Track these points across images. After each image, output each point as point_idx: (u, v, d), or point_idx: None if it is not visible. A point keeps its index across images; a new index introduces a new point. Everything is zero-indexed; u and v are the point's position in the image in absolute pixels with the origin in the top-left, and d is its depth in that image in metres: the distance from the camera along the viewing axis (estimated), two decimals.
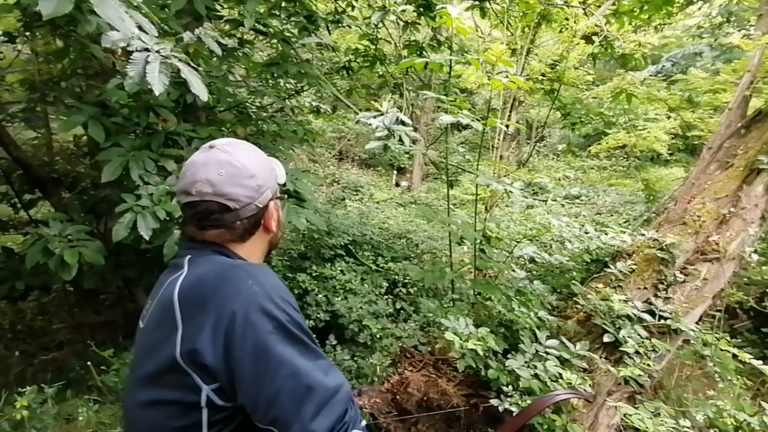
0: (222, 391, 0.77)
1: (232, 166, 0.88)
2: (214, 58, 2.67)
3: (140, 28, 1.63)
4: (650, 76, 7.37)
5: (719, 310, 3.08)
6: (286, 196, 2.90)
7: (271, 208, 0.97)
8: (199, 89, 1.68)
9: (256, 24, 2.96)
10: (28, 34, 3.04)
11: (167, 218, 2.27)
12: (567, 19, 5.54)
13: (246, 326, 0.75)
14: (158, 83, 1.56)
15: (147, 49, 1.62)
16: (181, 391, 0.77)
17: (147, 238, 2.18)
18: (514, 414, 2.07)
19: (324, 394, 0.75)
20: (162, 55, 1.63)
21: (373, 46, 4.54)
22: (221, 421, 0.79)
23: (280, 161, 1.06)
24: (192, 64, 1.77)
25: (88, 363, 2.76)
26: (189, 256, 0.89)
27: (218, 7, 3.13)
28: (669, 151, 8.54)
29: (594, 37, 5.14)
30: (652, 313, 2.73)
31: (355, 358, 3.09)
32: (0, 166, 3.33)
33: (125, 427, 0.89)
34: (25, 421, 2.26)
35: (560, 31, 5.83)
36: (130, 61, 1.59)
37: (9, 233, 3.87)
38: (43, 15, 1.34)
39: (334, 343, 3.21)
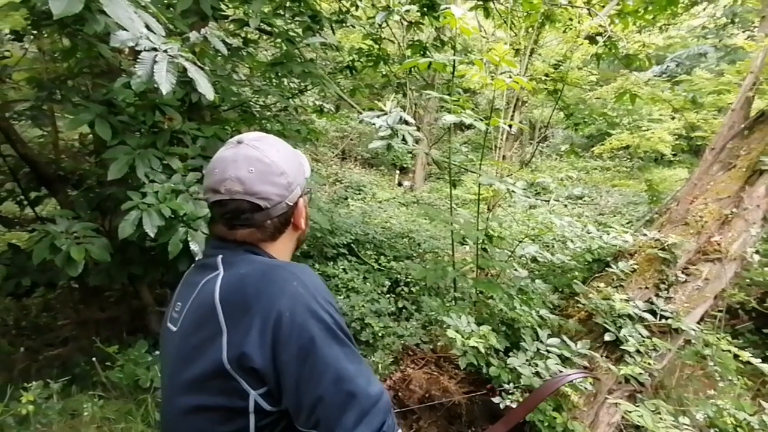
0: (270, 395, 0.76)
1: (263, 162, 0.85)
2: (219, 58, 2.70)
3: (148, 27, 1.65)
4: (654, 76, 7.34)
5: (720, 311, 3.09)
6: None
7: (301, 206, 0.94)
8: (206, 88, 1.71)
9: (261, 23, 2.99)
10: (35, 32, 3.07)
11: (172, 216, 2.29)
12: (571, 19, 5.54)
13: (292, 327, 0.74)
14: (166, 82, 1.58)
15: (155, 49, 1.64)
16: (227, 397, 0.76)
17: (152, 235, 2.21)
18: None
19: (366, 403, 0.74)
20: (170, 55, 1.65)
21: (377, 46, 4.56)
22: (267, 426, 0.78)
23: None
24: (198, 64, 1.80)
25: (93, 359, 2.79)
26: (221, 256, 0.87)
27: (224, 7, 3.15)
28: (673, 152, 8.51)
29: (598, 38, 5.13)
30: (653, 313, 2.74)
31: None
32: (7, 164, 3.35)
33: None
34: (31, 416, 2.28)
35: (564, 32, 5.81)
36: (138, 60, 1.61)
37: (15, 230, 3.89)
38: (53, 15, 1.37)
39: None
